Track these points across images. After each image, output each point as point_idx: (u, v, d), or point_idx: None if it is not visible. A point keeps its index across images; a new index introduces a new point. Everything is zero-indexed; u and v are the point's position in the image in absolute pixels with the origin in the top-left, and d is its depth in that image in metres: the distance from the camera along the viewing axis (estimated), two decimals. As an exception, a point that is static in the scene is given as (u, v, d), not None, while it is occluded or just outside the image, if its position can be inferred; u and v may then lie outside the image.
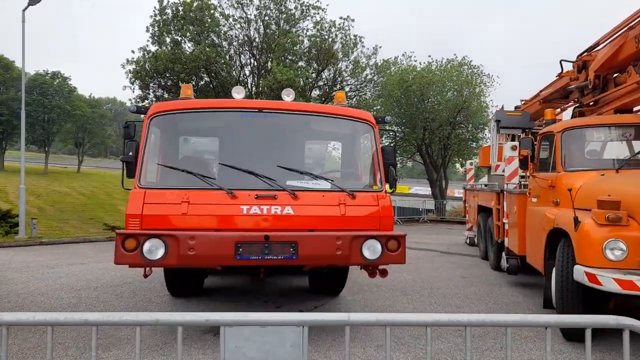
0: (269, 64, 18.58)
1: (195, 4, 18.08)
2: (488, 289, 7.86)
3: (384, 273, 5.11)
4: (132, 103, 19.02)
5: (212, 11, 18.47)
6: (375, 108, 22.41)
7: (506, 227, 8.25)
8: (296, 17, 19.33)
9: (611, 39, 6.73)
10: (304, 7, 19.21)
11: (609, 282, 4.41)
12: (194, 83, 17.67)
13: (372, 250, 4.68)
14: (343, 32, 19.52)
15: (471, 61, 26.95)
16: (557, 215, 5.59)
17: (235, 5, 19.05)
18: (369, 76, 21.35)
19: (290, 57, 18.76)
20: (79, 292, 7.11)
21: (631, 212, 4.66)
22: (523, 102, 11.64)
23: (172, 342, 4.87)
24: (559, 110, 9.58)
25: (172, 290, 6.71)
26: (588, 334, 1.92)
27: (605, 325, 1.95)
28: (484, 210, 10.96)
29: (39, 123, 40.49)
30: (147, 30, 18.66)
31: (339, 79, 20.38)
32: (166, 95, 17.74)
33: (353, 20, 19.66)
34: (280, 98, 5.74)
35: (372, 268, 5.14)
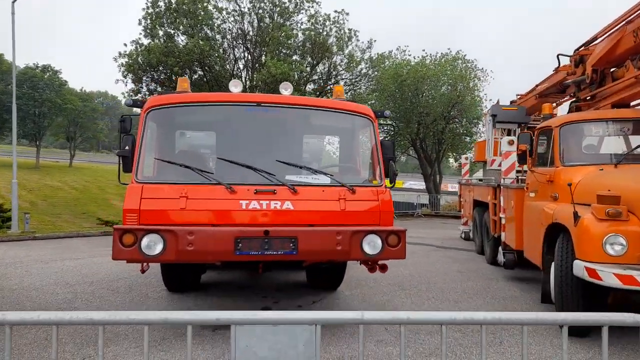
0: (263, 57, 18.45)
1: (188, -4, 17.89)
2: (485, 283, 7.87)
3: (383, 268, 5.09)
4: (125, 97, 18.83)
5: (205, 4, 18.28)
6: (369, 102, 22.34)
7: (503, 221, 8.26)
8: (290, 10, 19.19)
9: (609, 32, 6.71)
10: (297, 0, 19.07)
11: (609, 277, 4.41)
12: (187, 77, 17.50)
13: (372, 245, 4.65)
14: (338, 25, 19.42)
15: (465, 55, 26.94)
16: (556, 210, 5.58)
17: (228, -2, 18.89)
18: (364, 70, 21.28)
19: (284, 51, 18.63)
20: (74, 288, 7.03)
21: (631, 207, 4.66)
22: (519, 97, 11.63)
23: (170, 337, 4.83)
24: (554, 104, 9.58)
25: (168, 286, 6.66)
26: (605, 332, 1.89)
27: (622, 323, 1.93)
28: (479, 205, 10.98)
29: (29, 117, 40.02)
30: (140, 23, 18.46)
31: (334, 73, 20.29)
32: (159, 89, 17.57)
33: (348, 14, 19.56)
34: (274, 92, 5.68)
35: (372, 263, 5.12)
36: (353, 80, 21.10)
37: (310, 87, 20.19)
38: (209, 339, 4.80)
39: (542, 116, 7.48)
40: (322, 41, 18.75)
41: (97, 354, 4.37)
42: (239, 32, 18.83)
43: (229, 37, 18.87)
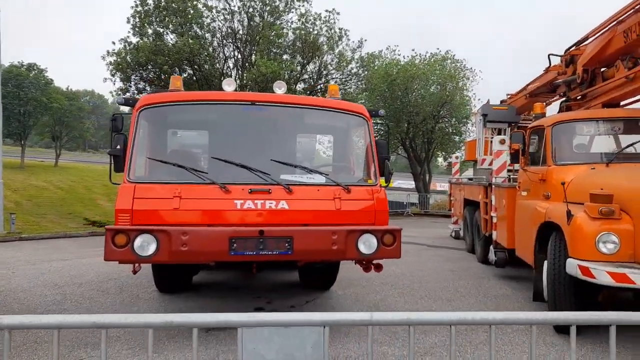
0: (253, 56, 18.35)
1: (177, -6, 17.72)
2: (477, 282, 7.90)
3: (378, 267, 5.07)
4: (113, 96, 18.64)
5: (194, 2, 18.12)
6: (359, 102, 22.36)
7: (494, 220, 8.29)
8: (280, 9, 19.10)
9: (600, 33, 6.77)
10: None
11: (602, 275, 4.44)
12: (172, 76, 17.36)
13: (367, 244, 4.63)
14: (328, 25, 19.39)
15: (454, 55, 27.13)
16: (548, 209, 5.61)
17: (218, -4, 18.74)
18: (354, 70, 21.27)
19: (274, 50, 18.55)
20: (63, 289, 6.92)
21: (623, 205, 4.70)
22: (509, 96, 11.71)
23: (164, 339, 4.77)
24: (544, 104, 9.65)
25: (159, 287, 6.58)
26: (612, 331, 1.89)
27: (629, 322, 1.93)
28: (470, 204, 11.03)
29: (14, 116, 39.33)
30: (128, 21, 18.23)
31: (324, 72, 20.25)
32: (148, 88, 17.38)
33: (338, 14, 19.55)
34: (264, 91, 5.64)
35: (367, 263, 5.10)
36: (343, 79, 21.09)
37: (300, 86, 20.13)
38: (203, 339, 4.75)
39: (533, 115, 7.53)
40: (312, 40, 18.70)
41: (88, 355, 4.31)
42: (229, 30, 18.71)
43: (218, 35, 18.74)
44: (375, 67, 24.20)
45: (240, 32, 18.83)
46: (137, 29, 18.00)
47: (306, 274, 7.05)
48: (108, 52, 18.16)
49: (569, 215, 4.86)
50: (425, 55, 27.02)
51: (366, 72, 22.14)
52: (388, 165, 5.25)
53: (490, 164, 10.63)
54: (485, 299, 6.75)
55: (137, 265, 4.94)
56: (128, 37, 18.40)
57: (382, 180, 5.25)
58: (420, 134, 26.90)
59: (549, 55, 8.38)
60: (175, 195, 4.48)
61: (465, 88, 26.82)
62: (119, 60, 17.53)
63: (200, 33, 18.29)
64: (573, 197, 5.16)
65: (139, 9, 18.06)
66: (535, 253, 5.98)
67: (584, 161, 6.03)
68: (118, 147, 4.79)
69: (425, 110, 25.30)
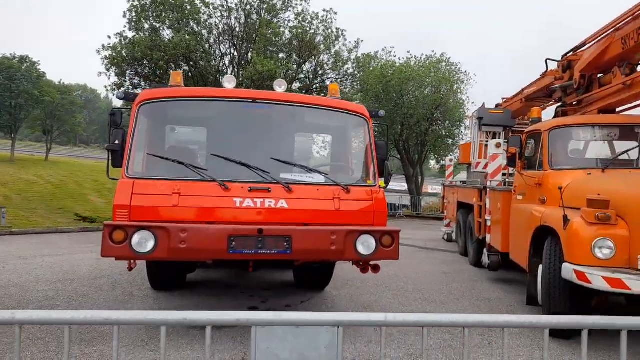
0: (249, 54, 18.27)
1: (174, -11, 17.61)
2: (470, 285, 7.94)
3: (376, 269, 5.07)
4: (107, 90, 18.44)
5: (192, -2, 18.04)
6: (355, 102, 22.34)
7: (488, 223, 8.33)
8: (278, 7, 19.05)
9: (598, 39, 6.83)
10: (285, -3, 18.96)
11: (598, 280, 4.48)
12: (172, 71, 17.24)
13: (366, 245, 4.62)
14: (325, 24, 19.36)
15: (449, 58, 27.24)
16: (544, 213, 5.64)
17: (216, -8, 18.65)
18: (350, 70, 21.28)
19: (271, 49, 18.49)
20: (56, 285, 6.84)
21: (620, 211, 4.74)
22: (504, 100, 11.77)
23: (158, 336, 4.72)
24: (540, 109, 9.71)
25: (154, 284, 6.53)
26: (624, 336, 1.90)
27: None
28: (464, 207, 11.07)
29: (5, 109, 38.95)
30: (124, 16, 18.10)
31: (320, 72, 20.23)
32: (143, 84, 17.25)
33: (336, 13, 19.54)
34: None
35: (364, 263, 5.09)
36: (339, 79, 21.09)
37: (296, 85, 20.10)
38: (199, 338, 4.72)
39: (530, 120, 7.57)
40: (309, 39, 18.68)
41: (82, 353, 4.27)
42: (226, 27, 18.63)
43: (215, 32, 18.65)
44: (371, 68, 24.23)
45: (237, 29, 18.76)
46: (133, 24, 17.87)
47: (301, 274, 7.03)
48: (103, 46, 18.02)
49: (566, 220, 4.89)
50: (421, 58, 27.14)
51: (362, 73, 22.16)
52: (388, 167, 5.25)
53: (485, 167, 10.69)
54: (478, 302, 6.78)
55: (132, 262, 4.89)
56: (124, 31, 18.29)
57: (381, 182, 5.25)
58: (414, 136, 26.96)
59: (546, 60, 8.44)
60: (175, 192, 4.44)
61: (459, 91, 26.95)
62: (114, 54, 17.39)
63: (197, 29, 18.20)
64: (569, 202, 5.19)
65: (136, 3, 17.94)
66: (530, 257, 6.00)
67: (580, 166, 6.08)
68: (117, 142, 4.74)
69: (419, 112, 25.37)
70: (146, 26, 17.98)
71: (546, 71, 8.63)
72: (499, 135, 11.41)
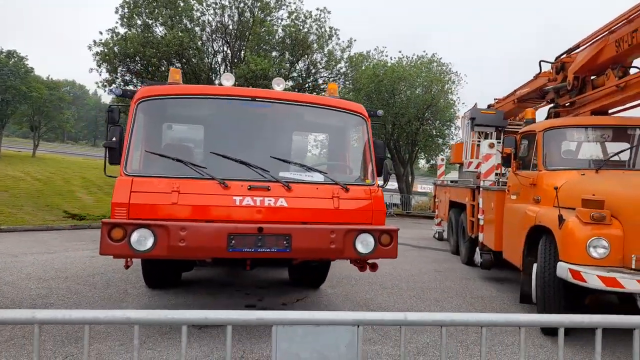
0: (242, 52, 18.20)
1: (167, -14, 17.47)
2: (463, 283, 8.01)
3: (374, 267, 5.10)
4: (99, 87, 18.25)
5: (185, -5, 17.92)
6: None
7: (481, 222, 8.40)
8: (271, 5, 19.00)
9: (592, 41, 6.92)
10: (280, -4, 18.91)
11: (592, 279, 4.54)
12: (164, 68, 17.11)
13: (365, 244, 4.64)
14: (319, 23, 19.36)
15: (440, 58, 27.39)
16: (539, 213, 5.71)
17: (209, -11, 18.54)
18: (343, 69, 21.30)
19: (264, 47, 18.44)
20: (49, 283, 6.77)
21: (614, 211, 4.81)
22: (496, 101, 11.87)
23: (155, 335, 4.72)
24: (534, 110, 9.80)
25: (148, 282, 6.50)
26: (637, 336, 1.93)
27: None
28: (456, 206, 11.15)
29: (-9, 104, 38.38)
30: (116, 12, 17.93)
31: (313, 70, 20.22)
32: (135, 80, 17.11)
33: (329, 12, 19.54)
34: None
35: (362, 262, 5.12)
36: (332, 78, 21.10)
37: (289, 83, 20.07)
38: (196, 336, 4.71)
39: (524, 120, 7.65)
40: (302, 38, 18.66)
41: (79, 351, 4.23)
42: (219, 25, 18.53)
43: (208, 29, 18.55)
44: (363, 67, 24.28)
45: (230, 27, 18.68)
46: (125, 20, 17.70)
47: (296, 272, 7.04)
48: (95, 42, 17.83)
49: (561, 219, 4.96)
50: (412, 58, 27.25)
51: (354, 72, 22.19)
52: (387, 165, 5.28)
53: (477, 166, 10.78)
54: (472, 300, 6.85)
55: (129, 260, 4.87)
56: (116, 27, 18.12)
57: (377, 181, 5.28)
58: (405, 136, 27.08)
59: (540, 62, 8.53)
60: (174, 190, 4.42)
61: (450, 91, 27.11)
62: (106, 50, 17.21)
63: (190, 26, 18.08)
64: (564, 202, 5.26)
65: (129, -1, 17.79)
66: (524, 256, 6.08)
67: (574, 167, 6.16)
68: (114, 139, 4.70)
69: (410, 112, 25.48)
70: (139, 22, 17.83)
71: (539, 73, 8.73)
72: (491, 136, 11.51)
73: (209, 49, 18.96)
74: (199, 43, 18.15)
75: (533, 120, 7.37)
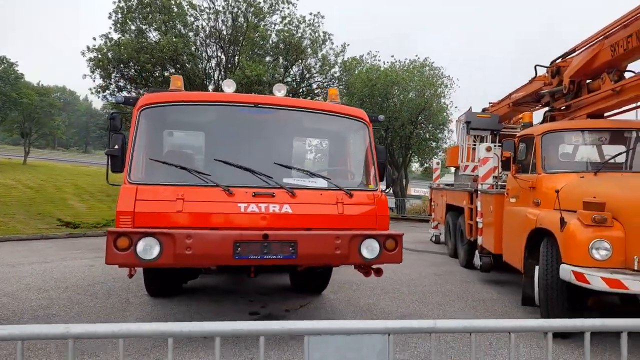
0: (237, 58, 18.20)
1: (161, -9, 17.44)
2: (463, 286, 8.04)
3: (379, 272, 5.10)
4: (92, 92, 18.14)
5: (178, 0, 17.87)
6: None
7: (480, 226, 8.44)
8: (265, 10, 19.04)
9: (587, 46, 7.01)
10: (272, 1, 18.93)
11: (596, 280, 4.59)
12: (158, 74, 17.07)
13: (370, 249, 4.65)
14: (312, 28, 19.43)
15: (433, 63, 27.56)
16: (539, 216, 5.76)
17: (202, -5, 18.53)
18: (337, 74, 21.36)
19: (258, 52, 18.46)
20: (49, 293, 6.70)
21: (615, 213, 4.87)
22: (491, 105, 11.96)
23: (161, 345, 4.69)
24: (531, 113, 9.89)
25: (150, 291, 6.45)
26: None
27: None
28: (453, 209, 11.19)
29: (-19, 111, 38.01)
30: (110, 17, 17.86)
31: (307, 75, 20.27)
32: (129, 86, 17.03)
33: (323, 17, 19.61)
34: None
35: (367, 267, 5.12)
36: (326, 83, 21.16)
37: (283, 89, 20.09)
38: (203, 346, 4.69)
39: (522, 124, 7.72)
40: (296, 43, 18.70)
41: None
42: (213, 30, 18.52)
43: (202, 34, 18.53)
44: (357, 72, 24.37)
45: (224, 32, 18.68)
46: (119, 25, 17.64)
47: (298, 278, 7.03)
48: (88, 47, 17.74)
49: (562, 222, 5.00)
50: (405, 62, 27.40)
51: (348, 77, 22.27)
52: (390, 170, 5.30)
53: (473, 170, 10.85)
54: (474, 303, 6.88)
55: (132, 269, 4.84)
56: (109, 33, 18.04)
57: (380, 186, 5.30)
58: (398, 139, 27.18)
59: (535, 66, 8.62)
60: (179, 198, 4.41)
61: (442, 95, 27.27)
62: (99, 56, 17.12)
63: (183, 32, 18.05)
64: (565, 205, 5.31)
65: (122, 4, 17.71)
66: (525, 258, 6.12)
67: (572, 170, 6.22)
68: (116, 147, 4.68)
69: (403, 115, 25.58)
70: (132, 28, 17.77)
71: (535, 77, 8.81)
72: (486, 139, 11.59)
73: (203, 54, 18.95)
74: (193, 48, 18.13)
75: (531, 124, 7.44)
